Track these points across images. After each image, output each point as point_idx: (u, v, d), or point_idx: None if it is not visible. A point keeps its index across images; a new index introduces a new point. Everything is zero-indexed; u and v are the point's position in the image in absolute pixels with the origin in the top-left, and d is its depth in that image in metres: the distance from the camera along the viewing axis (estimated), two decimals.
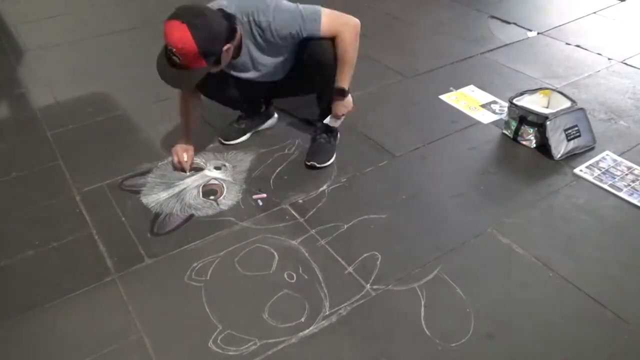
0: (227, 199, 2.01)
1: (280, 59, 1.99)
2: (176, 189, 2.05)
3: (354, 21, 1.89)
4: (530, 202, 1.98)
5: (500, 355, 1.45)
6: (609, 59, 3.03)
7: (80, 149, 2.32)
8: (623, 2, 3.86)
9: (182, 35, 1.64)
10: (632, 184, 2.04)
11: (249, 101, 2.30)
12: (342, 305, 1.58)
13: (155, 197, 2.01)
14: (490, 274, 1.70)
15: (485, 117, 2.50)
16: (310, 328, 1.51)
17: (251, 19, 1.84)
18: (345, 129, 2.32)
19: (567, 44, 3.24)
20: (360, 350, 1.46)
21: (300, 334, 1.50)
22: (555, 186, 2.06)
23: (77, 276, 1.69)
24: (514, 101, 2.30)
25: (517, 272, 1.70)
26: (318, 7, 1.86)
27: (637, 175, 2.09)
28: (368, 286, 1.64)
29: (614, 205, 1.96)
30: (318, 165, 2.12)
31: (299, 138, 2.33)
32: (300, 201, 1.99)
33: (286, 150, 2.27)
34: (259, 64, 1.99)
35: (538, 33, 3.38)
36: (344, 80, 1.98)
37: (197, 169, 2.17)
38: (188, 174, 2.13)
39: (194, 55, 1.68)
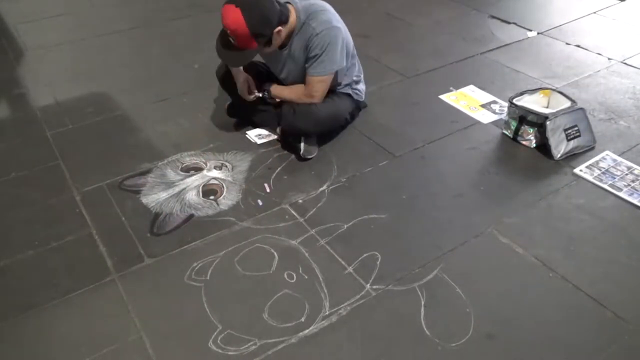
0: (227, 199, 2.01)
1: (296, 65, 2.13)
2: (176, 189, 2.05)
3: (321, 97, 2.11)
4: (530, 202, 1.98)
5: (500, 355, 1.45)
6: (609, 58, 3.03)
7: (80, 149, 2.32)
8: (623, 2, 3.86)
9: (235, 18, 1.80)
10: (632, 184, 2.04)
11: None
12: (342, 305, 1.58)
13: (155, 197, 2.01)
14: (490, 274, 1.70)
15: (485, 117, 2.50)
16: (310, 328, 1.51)
17: (308, 21, 1.99)
18: (345, 129, 2.32)
19: (567, 44, 3.24)
20: (360, 350, 1.46)
21: (300, 334, 1.50)
22: (555, 186, 2.06)
23: (77, 276, 1.69)
24: (514, 101, 2.30)
25: (517, 272, 1.70)
26: (336, 68, 2.06)
27: (637, 175, 2.09)
28: (368, 286, 1.64)
29: (614, 205, 1.96)
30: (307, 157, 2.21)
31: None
32: (300, 201, 1.99)
33: (286, 151, 2.27)
34: (288, 67, 2.15)
35: (538, 33, 3.38)
36: (280, 91, 2.20)
37: (197, 169, 2.17)
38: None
39: (245, 37, 1.84)
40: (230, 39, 1.89)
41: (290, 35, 2.02)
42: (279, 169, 2.16)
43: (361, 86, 2.34)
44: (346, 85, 2.24)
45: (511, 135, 2.32)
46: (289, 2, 1.99)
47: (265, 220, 1.90)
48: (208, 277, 1.68)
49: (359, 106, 2.38)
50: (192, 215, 1.93)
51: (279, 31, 1.91)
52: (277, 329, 1.51)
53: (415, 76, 2.88)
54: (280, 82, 2.24)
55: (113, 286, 1.66)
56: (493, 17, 3.64)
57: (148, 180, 2.11)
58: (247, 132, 2.38)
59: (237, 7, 1.79)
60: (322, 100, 2.12)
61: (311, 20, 1.98)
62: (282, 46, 2.06)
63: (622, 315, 1.55)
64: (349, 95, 2.26)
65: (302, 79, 2.13)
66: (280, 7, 1.91)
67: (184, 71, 2.98)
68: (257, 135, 2.36)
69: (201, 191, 2.04)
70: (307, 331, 1.51)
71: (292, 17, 1.97)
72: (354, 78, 2.27)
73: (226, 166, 2.18)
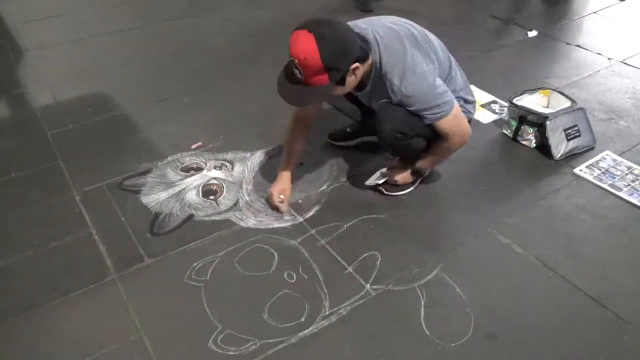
0: (227, 199, 2.01)
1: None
2: (176, 189, 2.05)
3: (468, 131, 1.84)
4: (530, 202, 1.98)
5: (500, 355, 1.45)
6: (609, 58, 3.03)
7: (80, 149, 2.32)
8: (623, 2, 3.86)
9: (307, 46, 1.50)
10: (632, 184, 2.04)
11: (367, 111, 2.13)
12: (342, 305, 1.58)
13: (155, 197, 2.01)
14: (490, 274, 1.70)
15: (485, 117, 2.49)
16: (310, 328, 1.51)
17: (386, 73, 1.70)
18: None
19: (567, 43, 3.24)
20: (360, 350, 1.46)
21: (300, 334, 1.50)
22: (555, 186, 2.06)
23: (76, 276, 1.69)
24: (514, 101, 2.30)
25: (517, 272, 1.70)
26: (452, 102, 1.74)
27: (636, 175, 2.09)
28: (368, 286, 1.64)
29: (614, 205, 1.96)
30: (385, 192, 2.01)
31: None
32: (300, 201, 1.99)
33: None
34: (375, 101, 1.85)
35: (538, 33, 3.38)
36: (426, 163, 1.95)
37: (197, 169, 2.17)
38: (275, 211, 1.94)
39: (316, 69, 1.53)
40: (297, 71, 1.55)
41: (368, 75, 1.73)
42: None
43: (470, 107, 1.99)
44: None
45: (511, 135, 2.32)
46: (366, 39, 1.68)
47: (265, 220, 1.90)
48: (208, 277, 1.68)
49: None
50: (192, 215, 1.93)
51: (356, 68, 1.62)
52: (277, 329, 1.51)
53: None
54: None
55: (113, 286, 1.66)
56: (493, 17, 3.64)
57: (148, 180, 2.11)
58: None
59: (309, 32, 1.51)
60: (468, 124, 1.85)
61: (388, 74, 1.69)
62: (360, 88, 1.78)
63: (622, 315, 1.55)
64: None
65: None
66: (360, 42, 1.62)
67: (184, 71, 2.98)
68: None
69: (201, 191, 2.04)
70: (307, 331, 1.51)
71: (370, 59, 1.69)
72: (461, 94, 1.91)
73: (226, 166, 2.18)
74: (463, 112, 1.86)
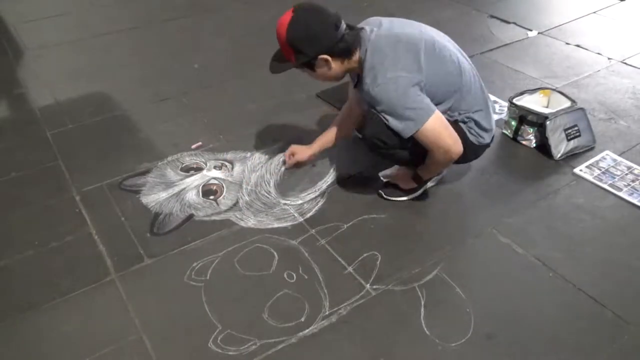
0: (227, 199, 2.01)
1: None
2: (176, 189, 2.05)
3: (450, 148, 1.69)
4: (530, 202, 1.98)
5: (500, 355, 1.45)
6: (608, 58, 3.03)
7: (80, 149, 2.32)
8: (623, 2, 3.86)
9: (283, 20, 1.62)
10: (632, 184, 2.04)
11: None
12: (342, 305, 1.58)
13: (155, 197, 2.01)
14: (490, 274, 1.70)
15: None
16: (310, 328, 1.51)
17: (364, 73, 1.68)
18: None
19: (567, 43, 3.24)
20: (360, 350, 1.46)
21: (300, 334, 1.50)
22: (555, 186, 2.06)
23: (77, 276, 1.69)
24: (514, 101, 2.30)
25: (517, 272, 1.70)
26: (424, 115, 1.64)
27: (636, 175, 2.09)
28: (368, 286, 1.64)
29: (614, 205, 1.96)
30: (384, 196, 2.00)
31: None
32: (300, 201, 1.99)
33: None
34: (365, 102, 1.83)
35: (538, 33, 3.38)
36: (423, 171, 1.88)
37: (197, 169, 2.17)
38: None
39: (283, 45, 1.64)
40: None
41: (359, 74, 1.73)
42: (279, 169, 2.16)
43: (483, 133, 1.87)
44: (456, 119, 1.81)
45: (511, 135, 2.32)
46: (356, 29, 1.70)
47: (265, 220, 1.90)
48: (208, 277, 1.68)
49: (476, 152, 1.92)
50: (192, 215, 1.93)
51: (326, 60, 1.65)
52: (277, 329, 1.51)
53: None
54: None
55: (113, 286, 1.66)
56: (493, 16, 3.64)
57: (148, 180, 2.11)
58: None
59: (293, 12, 1.61)
60: (457, 140, 1.71)
61: (365, 73, 1.68)
62: (355, 82, 1.81)
63: (622, 315, 1.55)
64: (462, 131, 1.80)
65: None
66: (342, 40, 1.63)
67: (184, 71, 2.99)
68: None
69: (201, 191, 2.04)
70: (307, 331, 1.51)
71: (354, 59, 1.69)
72: (474, 116, 1.82)
73: (226, 166, 2.18)
74: (472, 134, 1.82)
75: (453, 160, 1.76)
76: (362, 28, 1.72)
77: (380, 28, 1.72)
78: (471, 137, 1.83)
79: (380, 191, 2.01)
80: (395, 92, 1.63)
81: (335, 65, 1.68)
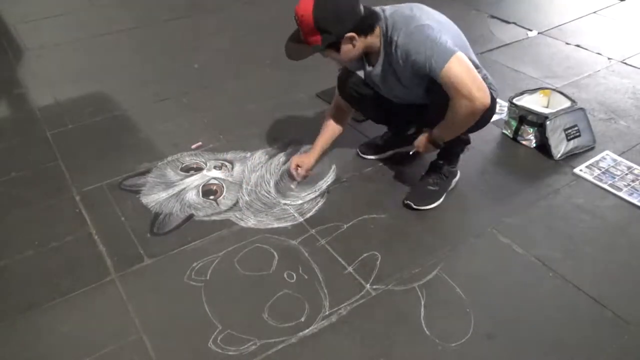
0: (227, 199, 2.01)
1: (406, 90, 1.81)
2: (176, 189, 2.05)
3: (480, 101, 1.60)
4: (530, 202, 1.98)
5: (500, 355, 1.45)
6: (608, 58, 3.03)
7: (80, 149, 2.32)
8: (623, 2, 3.86)
9: (305, 5, 1.60)
10: (632, 184, 2.04)
11: (395, 121, 2.15)
12: (342, 305, 1.58)
13: (155, 197, 2.01)
14: (490, 274, 1.70)
15: None
16: (310, 328, 1.51)
17: (391, 40, 1.68)
18: (346, 130, 2.32)
19: (567, 43, 3.24)
20: (360, 350, 1.46)
21: (300, 334, 1.50)
22: (555, 186, 2.06)
23: (76, 276, 1.69)
24: (514, 101, 2.30)
25: (517, 272, 1.70)
26: (454, 50, 1.60)
27: (636, 175, 2.09)
28: (368, 286, 1.64)
29: (614, 205, 1.96)
30: (414, 206, 1.94)
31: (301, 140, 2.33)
32: (300, 201, 1.99)
33: (288, 149, 2.26)
34: (390, 88, 1.85)
35: (538, 33, 3.38)
36: (440, 130, 1.79)
37: (197, 169, 2.17)
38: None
39: (310, 28, 1.62)
40: (299, 30, 1.67)
41: (377, 53, 1.75)
42: (279, 169, 2.16)
43: (491, 84, 1.86)
44: None
45: (511, 135, 2.32)
46: (378, 20, 1.70)
47: (265, 220, 1.90)
48: (208, 277, 1.68)
49: (492, 107, 1.82)
50: (192, 215, 1.93)
51: (352, 38, 1.66)
52: (277, 329, 1.51)
53: None
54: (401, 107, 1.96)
55: (113, 286, 1.66)
56: (493, 16, 3.64)
57: (148, 180, 2.10)
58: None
59: None
60: (483, 90, 1.62)
61: (393, 38, 1.67)
62: (371, 62, 1.81)
63: (622, 315, 1.54)
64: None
65: (416, 97, 1.83)
66: (365, 15, 1.66)
67: (184, 71, 2.99)
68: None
69: (201, 191, 2.04)
70: (307, 331, 1.51)
71: (376, 33, 1.70)
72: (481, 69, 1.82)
73: (226, 166, 2.18)
74: (487, 84, 1.72)
75: (476, 114, 1.65)
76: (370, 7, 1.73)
77: (386, 10, 1.73)
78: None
79: (407, 202, 1.95)
80: (430, 29, 1.61)
81: (360, 42, 1.70)
